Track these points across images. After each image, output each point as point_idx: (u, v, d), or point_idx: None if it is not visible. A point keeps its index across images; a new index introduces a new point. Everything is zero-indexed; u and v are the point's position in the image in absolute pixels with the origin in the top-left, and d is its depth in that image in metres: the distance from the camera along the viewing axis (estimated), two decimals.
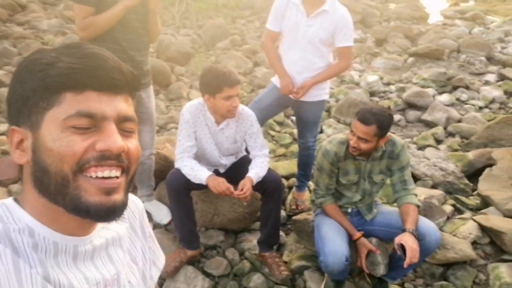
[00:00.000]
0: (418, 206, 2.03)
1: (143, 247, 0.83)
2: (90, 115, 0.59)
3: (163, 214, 2.61)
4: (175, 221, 2.30)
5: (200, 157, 2.30)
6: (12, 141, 0.62)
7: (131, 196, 0.79)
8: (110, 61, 0.61)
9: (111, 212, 0.62)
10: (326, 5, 2.35)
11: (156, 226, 2.60)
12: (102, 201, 0.60)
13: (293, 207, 2.82)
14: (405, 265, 1.80)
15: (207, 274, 2.31)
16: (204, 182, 2.11)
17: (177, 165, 2.19)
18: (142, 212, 0.85)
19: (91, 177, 0.59)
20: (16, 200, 0.64)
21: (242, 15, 8.64)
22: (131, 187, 0.67)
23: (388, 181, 2.20)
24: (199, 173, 2.12)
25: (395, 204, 2.19)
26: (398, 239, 1.85)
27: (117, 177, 0.62)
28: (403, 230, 1.89)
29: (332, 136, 2.18)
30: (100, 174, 0.60)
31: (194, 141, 2.22)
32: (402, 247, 1.83)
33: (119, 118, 0.62)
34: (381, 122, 1.87)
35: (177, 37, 6.67)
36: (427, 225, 1.98)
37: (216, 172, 2.30)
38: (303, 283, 2.28)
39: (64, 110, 0.58)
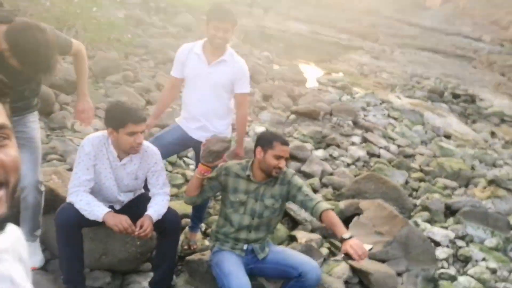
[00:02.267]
0: (333, 209, 2.21)
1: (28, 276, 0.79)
2: None
3: (38, 259, 2.35)
4: (61, 260, 2.11)
5: (96, 192, 2.19)
6: None
7: (17, 229, 0.77)
8: None
9: None
10: (225, 56, 2.59)
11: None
12: None
13: (185, 247, 2.81)
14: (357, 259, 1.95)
15: None
16: (100, 219, 2.00)
17: (70, 199, 2.05)
18: (24, 243, 0.80)
19: None
20: None
21: (136, 53, 8.55)
22: (13, 198, 0.66)
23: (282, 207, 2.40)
24: (96, 209, 2.01)
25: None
26: (343, 251, 2.00)
27: None
28: (341, 241, 2.05)
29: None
30: None
31: (93, 175, 2.12)
32: (347, 256, 2.00)
33: None
34: None
35: (63, 64, 6.26)
36: (309, 263, 2.19)
37: (111, 209, 2.21)
38: None
39: None
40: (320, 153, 5.40)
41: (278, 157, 2.18)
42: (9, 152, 0.63)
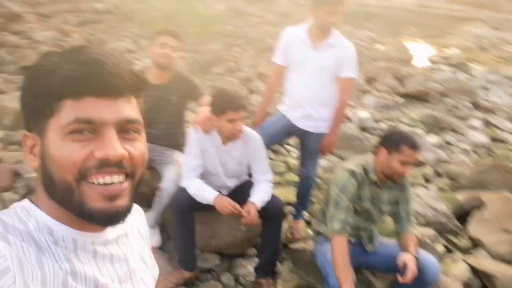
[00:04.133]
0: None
1: (149, 252, 0.85)
2: (88, 121, 0.59)
3: (156, 239, 2.55)
4: (176, 240, 2.28)
5: (205, 177, 2.31)
6: (25, 146, 0.64)
7: (137, 209, 0.81)
8: (108, 67, 0.60)
9: (114, 218, 0.62)
10: (332, 39, 2.46)
11: None
12: (106, 208, 0.61)
13: (289, 235, 2.81)
14: (401, 280, 1.86)
15: None
16: (211, 202, 2.11)
17: (183, 184, 2.20)
18: (145, 220, 0.87)
19: (93, 183, 0.60)
20: (31, 201, 0.64)
21: (237, 43, 8.80)
22: (137, 191, 0.66)
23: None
24: (206, 193, 2.13)
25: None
26: (403, 258, 1.92)
27: (121, 183, 0.62)
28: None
29: (339, 173, 2.11)
30: (101, 181, 0.60)
31: (201, 160, 2.24)
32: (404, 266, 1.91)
33: (119, 122, 0.61)
34: None
35: None
36: (427, 257, 2.04)
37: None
38: None
39: (63, 118, 0.59)
40: (433, 138, 4.95)
41: (405, 163, 1.92)
42: (138, 146, 0.64)
